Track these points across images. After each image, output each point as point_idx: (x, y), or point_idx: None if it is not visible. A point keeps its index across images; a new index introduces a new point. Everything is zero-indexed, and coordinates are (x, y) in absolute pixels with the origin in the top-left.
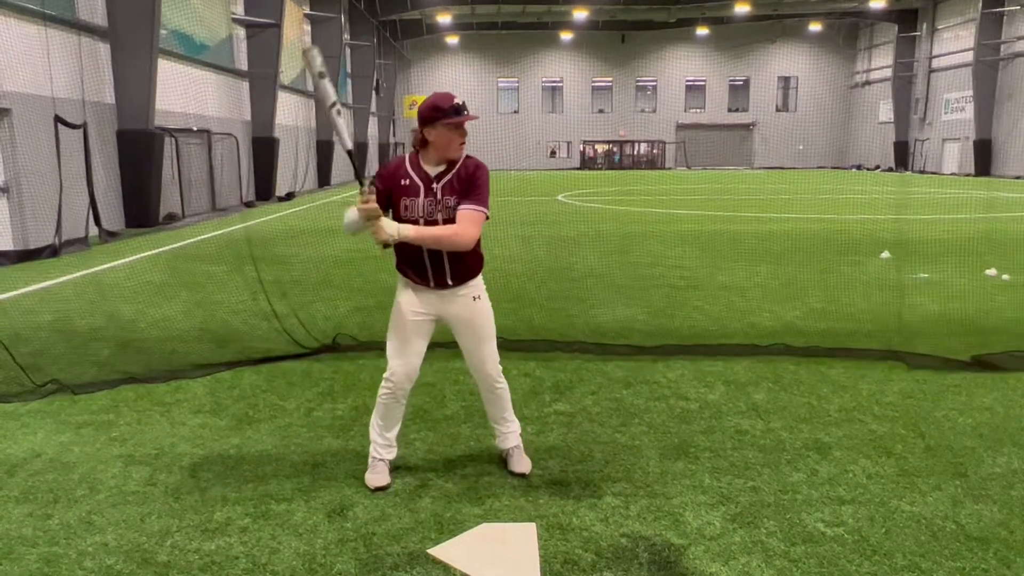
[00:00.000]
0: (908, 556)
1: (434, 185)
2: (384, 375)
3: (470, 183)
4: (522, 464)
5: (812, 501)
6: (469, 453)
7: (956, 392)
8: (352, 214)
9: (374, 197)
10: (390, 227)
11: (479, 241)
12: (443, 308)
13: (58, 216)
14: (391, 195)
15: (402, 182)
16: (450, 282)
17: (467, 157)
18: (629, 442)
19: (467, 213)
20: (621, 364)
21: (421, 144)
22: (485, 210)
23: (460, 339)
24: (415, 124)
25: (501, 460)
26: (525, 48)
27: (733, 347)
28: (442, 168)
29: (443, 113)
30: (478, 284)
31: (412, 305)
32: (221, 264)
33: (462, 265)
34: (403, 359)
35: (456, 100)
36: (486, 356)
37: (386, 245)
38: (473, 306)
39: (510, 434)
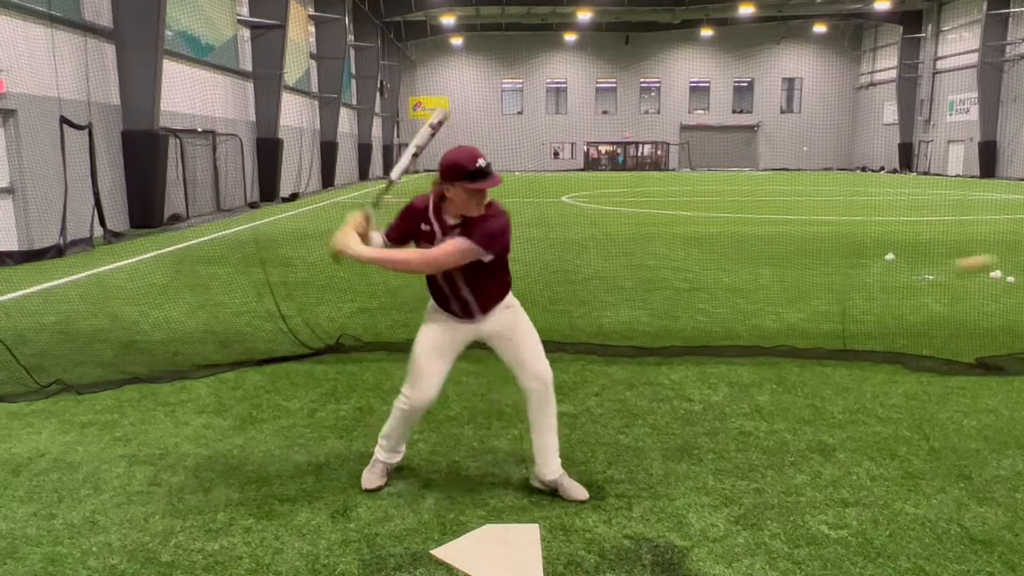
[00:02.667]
0: (912, 559)
1: (449, 236)
2: (403, 391)
3: (477, 224)
4: (582, 488)
5: (816, 503)
6: (472, 454)
7: (960, 394)
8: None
9: (371, 220)
10: (355, 242)
11: (507, 270)
12: (479, 331)
13: (63, 217)
14: (413, 233)
15: (422, 226)
16: (478, 315)
17: (490, 204)
18: (632, 443)
19: (450, 241)
20: (625, 366)
21: (440, 197)
22: (475, 245)
23: (506, 352)
24: (419, 126)
25: (551, 491)
26: (529, 49)
27: (737, 349)
28: (460, 219)
29: (465, 175)
30: (507, 298)
31: (439, 332)
32: (225, 265)
33: (486, 298)
34: (418, 385)
35: (480, 161)
36: (539, 354)
37: (337, 260)
38: (506, 317)
39: (555, 455)
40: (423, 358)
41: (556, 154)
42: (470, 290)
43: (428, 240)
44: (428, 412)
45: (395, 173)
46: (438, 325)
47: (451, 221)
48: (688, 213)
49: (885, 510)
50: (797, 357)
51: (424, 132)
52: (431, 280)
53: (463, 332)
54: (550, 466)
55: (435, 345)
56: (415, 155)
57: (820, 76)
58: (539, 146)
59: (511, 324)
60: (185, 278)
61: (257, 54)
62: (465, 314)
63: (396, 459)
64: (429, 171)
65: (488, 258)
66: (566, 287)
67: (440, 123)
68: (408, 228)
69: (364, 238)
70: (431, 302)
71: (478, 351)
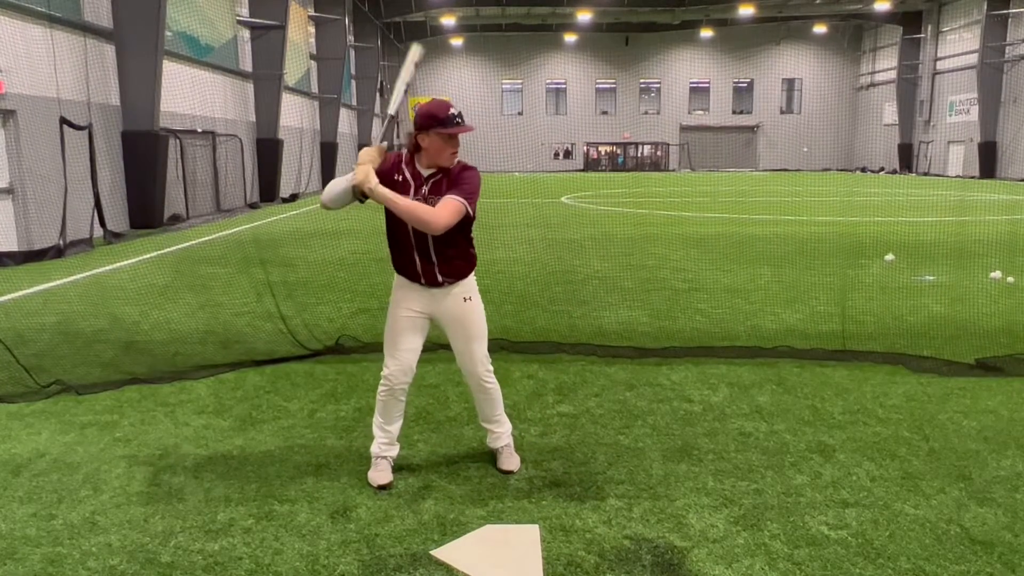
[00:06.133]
0: (912, 559)
1: (424, 187)
2: (381, 372)
3: (457, 181)
4: (510, 462)
5: (816, 504)
6: (472, 455)
7: (960, 395)
8: (340, 182)
9: (384, 153)
10: (374, 179)
11: (471, 242)
12: (435, 307)
13: (63, 217)
14: (384, 182)
15: (395, 177)
16: (440, 280)
17: (458, 162)
18: (632, 444)
19: (447, 201)
20: (624, 366)
21: (415, 148)
22: (465, 202)
23: (451, 339)
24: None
25: (493, 459)
26: (529, 50)
27: (736, 349)
28: (433, 171)
29: (438, 122)
30: (470, 284)
31: (406, 303)
32: (225, 266)
33: (451, 265)
34: (398, 356)
35: (452, 110)
36: (476, 356)
37: (363, 196)
38: (464, 306)
39: (502, 434)
40: (396, 330)
41: (557, 155)
42: (437, 253)
43: (401, 191)
44: (428, 413)
45: (392, 108)
46: (402, 299)
47: (424, 172)
48: (687, 214)
49: (885, 511)
50: (797, 358)
51: (410, 69)
52: (396, 242)
53: (424, 302)
54: (500, 440)
55: (405, 317)
56: (406, 91)
57: (820, 77)
58: (539, 147)
59: (466, 314)
60: (185, 279)
61: (257, 55)
62: (428, 280)
63: (394, 452)
64: None
65: (472, 214)
66: (565, 287)
67: (420, 60)
68: (381, 177)
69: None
70: (396, 280)
71: None
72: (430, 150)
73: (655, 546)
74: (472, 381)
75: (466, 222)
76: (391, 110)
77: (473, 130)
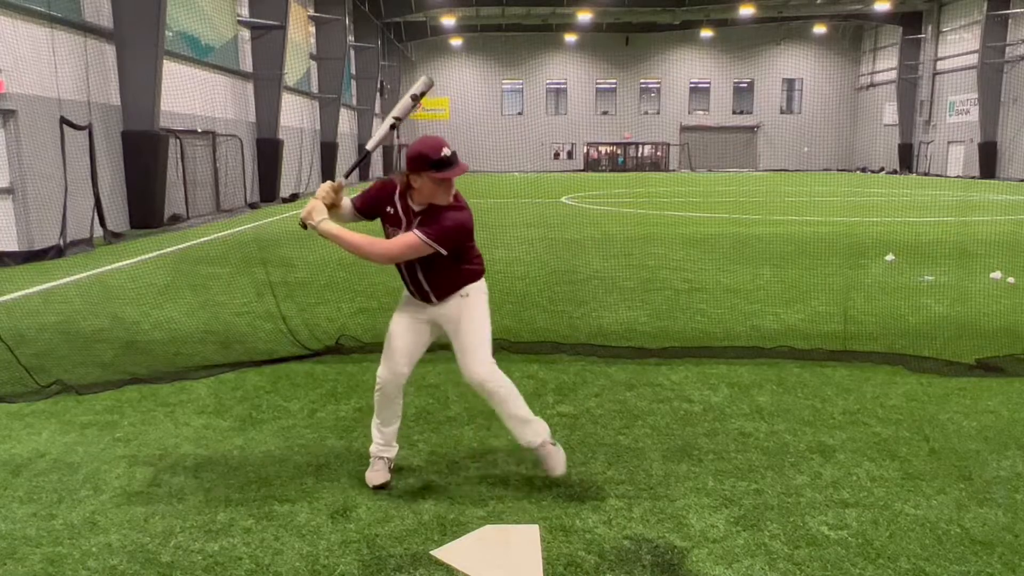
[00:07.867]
0: (912, 560)
1: (414, 223)
2: (377, 372)
3: (437, 218)
4: (547, 463)
5: (816, 504)
6: (472, 455)
7: (960, 395)
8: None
9: (341, 190)
10: (320, 215)
11: (468, 259)
12: (436, 313)
13: (63, 217)
14: (379, 210)
15: (387, 209)
16: (434, 300)
17: (456, 195)
18: (632, 444)
19: (406, 235)
20: (624, 366)
21: (407, 186)
22: (429, 241)
23: (452, 339)
24: (419, 125)
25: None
26: (529, 50)
27: (737, 349)
28: (425, 206)
29: (429, 164)
30: (470, 287)
31: (408, 307)
32: (226, 266)
33: (442, 286)
34: (389, 361)
35: (445, 150)
36: (475, 357)
37: (304, 225)
38: (462, 304)
39: (521, 435)
40: (392, 336)
41: (557, 155)
42: (425, 277)
43: (392, 223)
44: (428, 413)
45: (371, 143)
46: (406, 305)
47: (416, 208)
48: (688, 214)
49: (885, 511)
50: (797, 358)
51: (405, 102)
52: (397, 264)
53: (425, 311)
54: (524, 438)
55: (403, 323)
56: (393, 126)
57: (820, 77)
58: (539, 147)
59: (458, 315)
60: (185, 278)
61: (257, 55)
62: (422, 298)
63: (392, 453)
64: None
65: (444, 252)
66: (566, 287)
67: (423, 93)
68: (376, 204)
69: (336, 205)
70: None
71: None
72: (423, 191)
73: (655, 546)
74: (474, 383)
75: (459, 249)
76: (369, 145)
77: (467, 170)
